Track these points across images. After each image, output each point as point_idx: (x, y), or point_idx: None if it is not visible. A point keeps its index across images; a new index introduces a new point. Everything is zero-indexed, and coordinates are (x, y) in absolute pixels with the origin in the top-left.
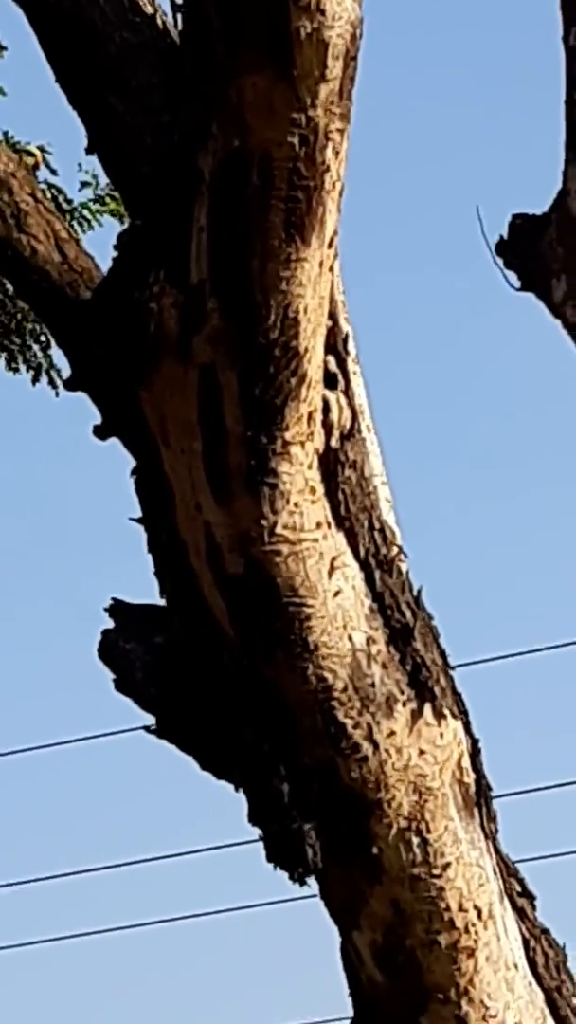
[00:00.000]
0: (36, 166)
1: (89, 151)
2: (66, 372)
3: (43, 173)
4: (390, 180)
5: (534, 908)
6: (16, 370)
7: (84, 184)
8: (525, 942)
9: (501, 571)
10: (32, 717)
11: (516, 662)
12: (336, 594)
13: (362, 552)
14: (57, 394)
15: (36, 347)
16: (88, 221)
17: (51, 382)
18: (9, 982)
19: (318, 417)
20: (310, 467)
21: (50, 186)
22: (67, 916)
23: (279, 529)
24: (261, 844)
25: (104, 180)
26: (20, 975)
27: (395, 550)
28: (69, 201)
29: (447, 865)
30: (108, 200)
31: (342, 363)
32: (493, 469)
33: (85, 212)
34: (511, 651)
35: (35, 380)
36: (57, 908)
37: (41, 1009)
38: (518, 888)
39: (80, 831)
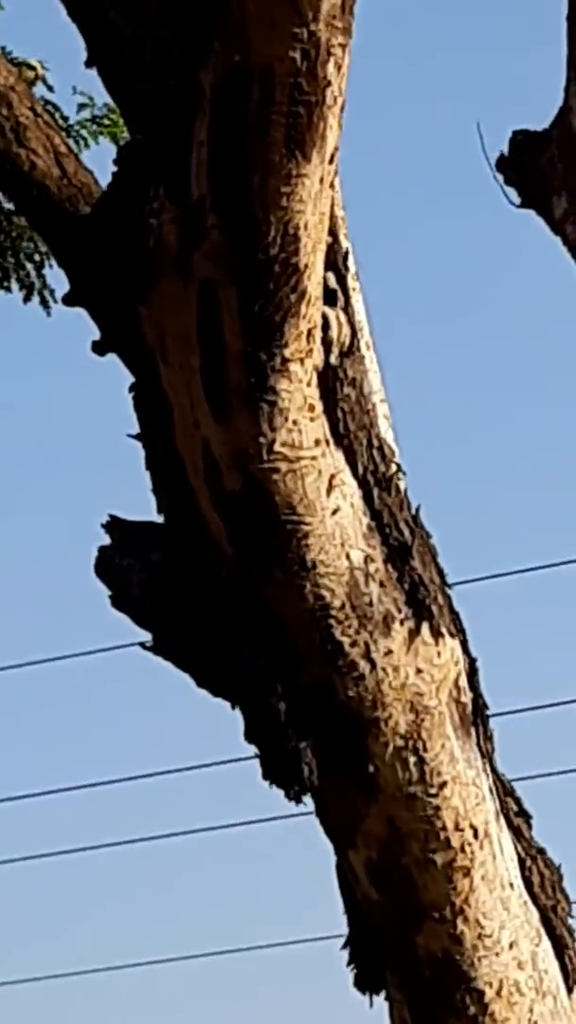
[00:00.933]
0: (35, 79)
1: (88, 65)
2: (59, 291)
3: (39, 89)
4: (391, 96)
5: (530, 828)
6: (8, 289)
7: (81, 106)
8: (521, 861)
9: (500, 490)
10: (29, 633)
11: (514, 580)
12: (334, 512)
13: (360, 470)
14: (49, 313)
15: (30, 266)
16: (85, 140)
17: (43, 301)
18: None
19: (317, 334)
20: (309, 384)
21: (46, 103)
22: (61, 832)
23: (277, 446)
24: (257, 761)
25: (101, 101)
26: (13, 889)
27: (393, 468)
28: (65, 118)
29: (443, 784)
30: (106, 121)
31: (342, 280)
32: (492, 387)
33: (83, 132)
34: (508, 569)
35: (27, 299)
36: (49, 824)
37: (39, 918)
38: (514, 807)
39: (76, 747)
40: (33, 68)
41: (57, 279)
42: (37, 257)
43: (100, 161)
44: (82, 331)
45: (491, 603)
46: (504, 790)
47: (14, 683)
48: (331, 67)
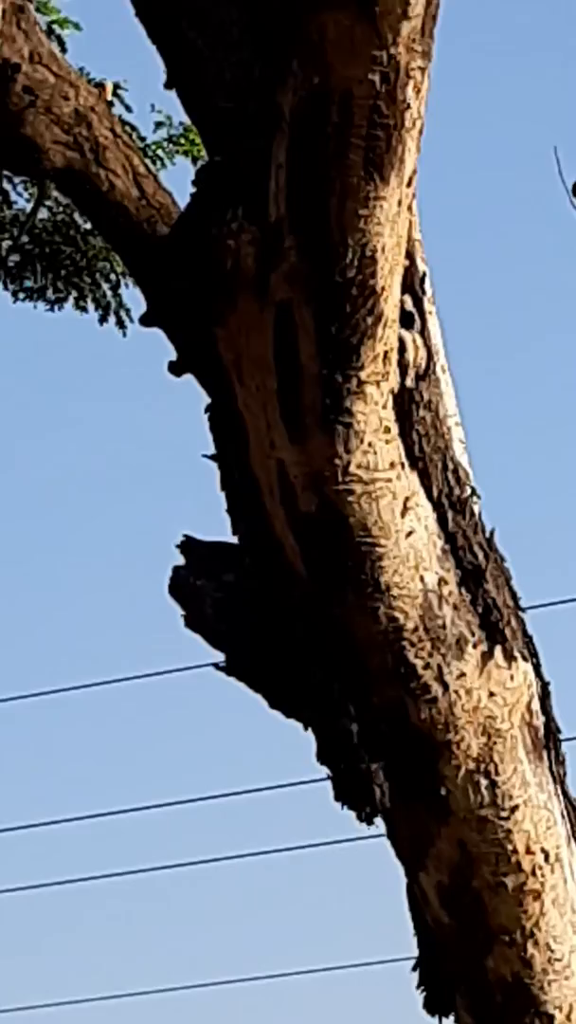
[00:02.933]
0: (103, 94)
1: (168, 86)
2: (135, 312)
3: (117, 109)
4: (469, 121)
5: None
6: (84, 309)
7: (159, 124)
8: None
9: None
10: (103, 652)
11: None
12: (409, 534)
13: (435, 492)
14: (125, 334)
15: (106, 286)
16: (161, 160)
17: (119, 322)
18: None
19: (394, 357)
20: (385, 407)
21: (124, 123)
22: (128, 851)
23: (353, 468)
24: (330, 783)
25: (178, 120)
26: (78, 911)
27: (468, 491)
28: (143, 139)
29: (515, 807)
30: (182, 140)
31: (418, 303)
32: (571, 416)
33: (159, 151)
34: None
35: (103, 319)
36: (119, 842)
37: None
38: None
39: (147, 766)
40: (102, 87)
41: (133, 299)
42: (113, 277)
43: (176, 181)
44: (159, 351)
45: (564, 627)
46: None
47: (87, 701)
48: (410, 90)
